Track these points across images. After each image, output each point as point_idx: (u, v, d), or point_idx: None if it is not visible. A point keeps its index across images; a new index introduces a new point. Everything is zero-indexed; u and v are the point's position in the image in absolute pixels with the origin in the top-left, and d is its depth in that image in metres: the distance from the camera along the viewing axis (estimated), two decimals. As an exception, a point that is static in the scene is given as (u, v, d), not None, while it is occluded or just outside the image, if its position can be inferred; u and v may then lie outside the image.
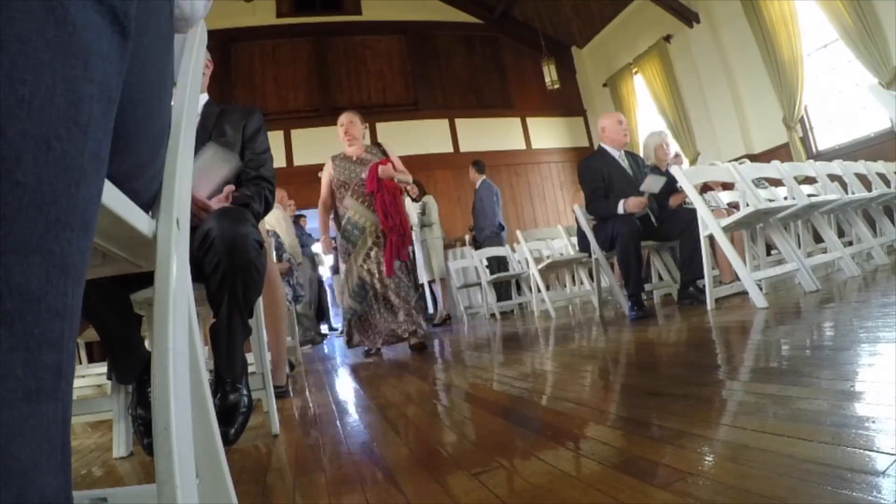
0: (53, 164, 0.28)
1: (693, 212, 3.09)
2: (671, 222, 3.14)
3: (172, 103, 0.65)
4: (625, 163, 3.25)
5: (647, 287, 3.80)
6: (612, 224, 3.07)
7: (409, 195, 5.26)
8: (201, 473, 0.61)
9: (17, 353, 0.26)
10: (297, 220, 6.22)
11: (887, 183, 3.90)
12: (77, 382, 2.84)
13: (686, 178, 2.71)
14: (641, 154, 3.93)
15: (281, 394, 2.10)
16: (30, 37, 0.27)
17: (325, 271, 7.44)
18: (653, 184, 3.05)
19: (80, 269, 0.30)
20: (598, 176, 3.18)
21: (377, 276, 3.14)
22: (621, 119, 3.34)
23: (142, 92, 0.47)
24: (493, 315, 5.48)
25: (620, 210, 3.04)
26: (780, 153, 5.94)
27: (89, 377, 2.94)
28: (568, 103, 9.22)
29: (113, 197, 0.46)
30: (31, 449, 0.26)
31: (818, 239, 4.05)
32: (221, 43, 7.55)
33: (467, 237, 6.85)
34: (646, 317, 2.80)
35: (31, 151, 0.27)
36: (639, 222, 3.04)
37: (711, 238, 2.59)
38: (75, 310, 0.30)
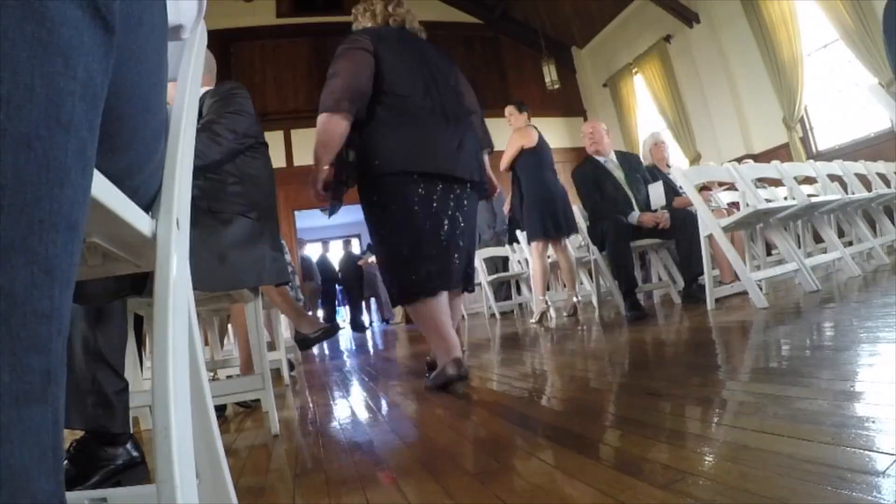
0: (35, 163, 0.28)
1: (686, 210, 3.11)
2: None
3: (171, 103, 0.65)
4: (616, 169, 3.29)
5: (647, 287, 3.81)
6: (602, 223, 3.11)
7: None
8: (201, 473, 0.61)
9: (2, 357, 0.25)
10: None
11: (887, 183, 3.90)
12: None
13: (686, 178, 2.71)
14: (641, 154, 3.94)
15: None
16: (6, 34, 0.27)
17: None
18: (656, 196, 3.10)
19: (67, 270, 0.29)
20: (589, 180, 3.27)
21: None
22: (588, 130, 3.42)
23: (140, 87, 0.46)
24: (493, 315, 5.48)
25: (633, 221, 3.09)
26: (780, 153, 5.94)
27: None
28: (568, 103, 9.21)
29: (112, 197, 0.46)
30: (20, 454, 0.25)
31: (818, 239, 4.06)
32: (221, 43, 7.54)
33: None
34: (643, 317, 2.80)
35: (11, 151, 0.27)
36: (625, 219, 3.07)
37: (711, 238, 2.59)
38: (63, 312, 0.29)
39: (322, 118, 1.84)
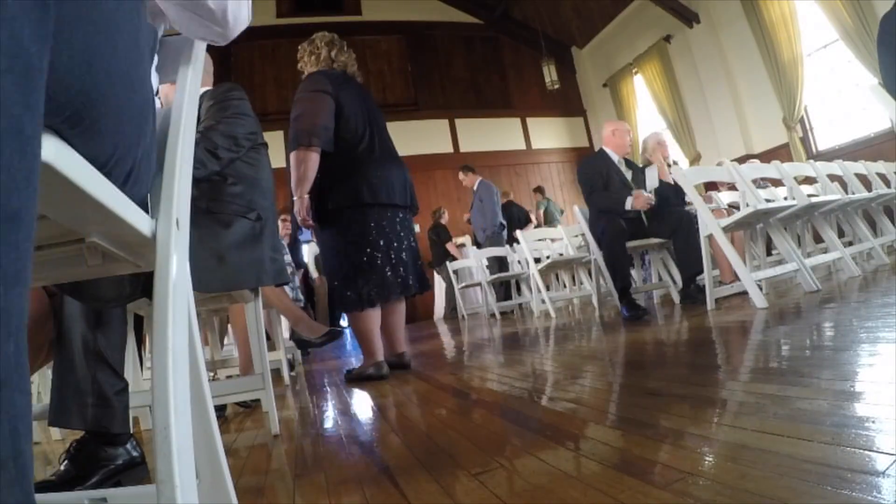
0: None
1: (683, 210, 3.11)
2: (662, 221, 3.16)
3: (170, 104, 0.64)
4: (623, 167, 3.30)
5: (647, 287, 3.81)
6: (599, 224, 3.13)
7: None
8: (201, 473, 0.61)
9: None
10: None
11: (887, 183, 3.90)
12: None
13: (686, 178, 2.71)
14: (640, 153, 3.95)
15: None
16: None
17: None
18: (650, 180, 3.12)
19: (12, 267, 0.26)
20: (597, 172, 3.28)
21: None
22: (629, 130, 3.45)
23: (115, 63, 0.43)
24: (493, 315, 5.48)
25: (628, 206, 3.10)
26: (780, 153, 5.94)
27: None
28: (568, 103, 9.21)
29: (111, 196, 0.46)
30: None
31: (818, 239, 4.05)
32: (221, 43, 7.54)
33: (468, 238, 6.84)
34: (641, 317, 2.80)
35: None
36: (623, 222, 3.08)
37: (711, 238, 2.59)
38: (13, 313, 0.27)
39: (298, 154, 2.18)
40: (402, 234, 2.33)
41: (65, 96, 0.38)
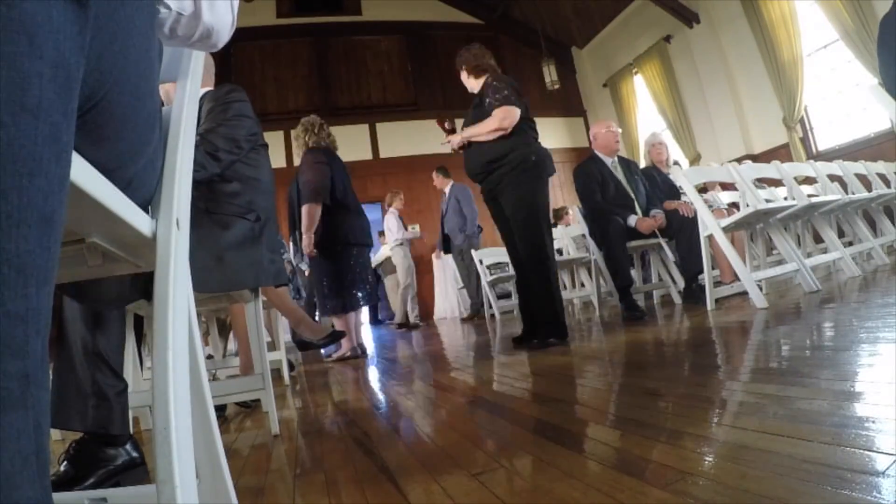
0: None
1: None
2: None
3: (171, 104, 0.64)
4: (618, 171, 3.29)
5: (647, 287, 3.81)
6: (600, 223, 3.13)
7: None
8: (201, 473, 0.61)
9: None
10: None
11: (887, 183, 3.90)
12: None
13: (686, 178, 2.71)
14: (642, 154, 3.95)
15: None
16: None
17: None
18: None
19: (43, 267, 0.28)
20: (593, 179, 3.26)
21: None
22: (611, 126, 3.38)
23: (127, 72, 0.43)
24: (493, 315, 5.48)
25: (631, 223, 3.09)
26: (780, 153, 5.94)
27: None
28: (568, 103, 9.21)
29: (112, 196, 0.46)
30: (1, 462, 0.24)
31: (818, 239, 4.05)
32: (221, 43, 7.54)
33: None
34: (640, 317, 2.80)
35: None
36: (623, 221, 3.08)
37: (711, 238, 2.59)
38: (42, 311, 0.28)
39: (307, 207, 3.28)
40: (366, 263, 3.56)
41: None
